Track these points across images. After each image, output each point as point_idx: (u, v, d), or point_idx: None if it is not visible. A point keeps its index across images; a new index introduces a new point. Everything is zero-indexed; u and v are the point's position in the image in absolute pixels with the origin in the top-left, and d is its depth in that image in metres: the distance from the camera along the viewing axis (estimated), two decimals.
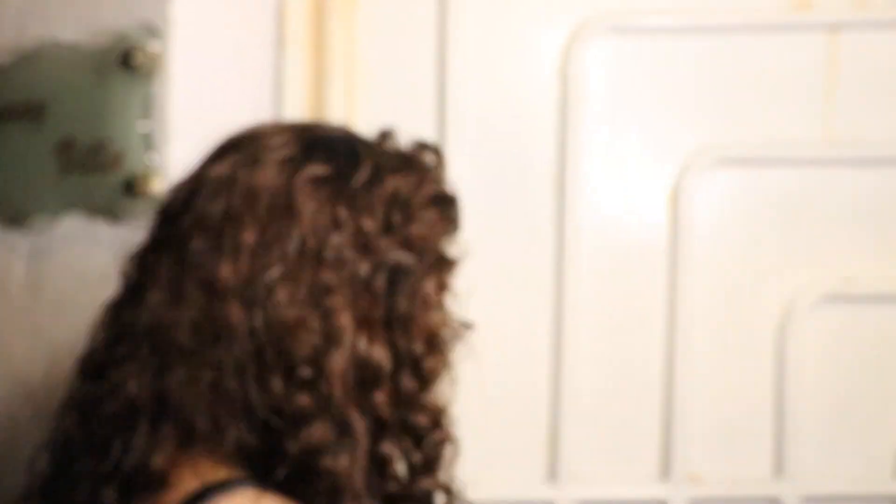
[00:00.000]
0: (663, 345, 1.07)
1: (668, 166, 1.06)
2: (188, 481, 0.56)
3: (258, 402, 0.55)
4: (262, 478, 0.56)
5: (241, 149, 0.60)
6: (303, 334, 0.55)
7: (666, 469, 1.06)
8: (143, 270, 0.60)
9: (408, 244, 0.60)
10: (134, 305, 0.59)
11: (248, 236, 0.56)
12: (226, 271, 0.55)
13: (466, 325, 0.65)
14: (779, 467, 1.06)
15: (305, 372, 0.55)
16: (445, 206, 0.64)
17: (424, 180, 0.62)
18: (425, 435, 0.61)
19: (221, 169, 0.59)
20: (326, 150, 0.60)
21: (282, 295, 0.55)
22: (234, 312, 0.55)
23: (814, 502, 1.06)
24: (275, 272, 0.55)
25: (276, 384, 0.55)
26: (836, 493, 1.06)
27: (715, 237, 1.07)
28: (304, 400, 0.55)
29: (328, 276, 0.56)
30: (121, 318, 0.60)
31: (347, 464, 0.55)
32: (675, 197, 1.05)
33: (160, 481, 0.56)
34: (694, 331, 1.06)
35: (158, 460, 0.56)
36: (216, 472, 0.56)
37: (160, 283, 0.57)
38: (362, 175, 0.59)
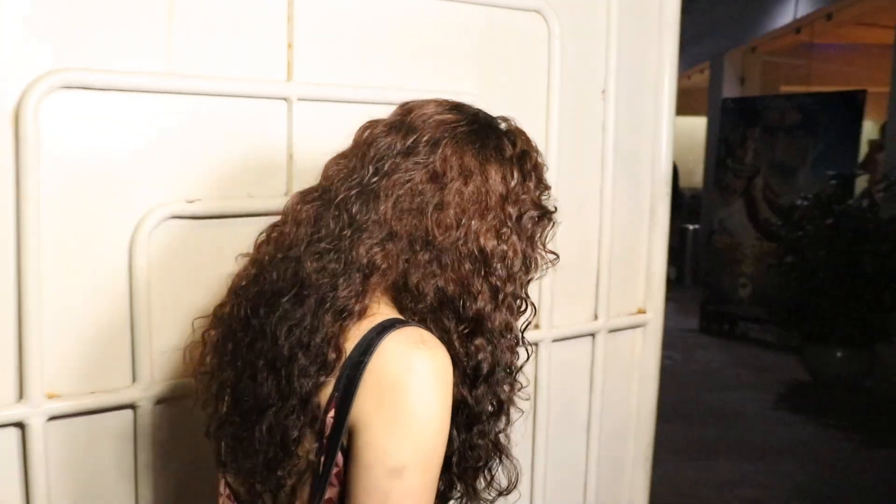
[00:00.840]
0: (12, 266, 1.07)
1: (10, 88, 1.06)
2: (382, 316, 0.89)
3: (452, 279, 0.90)
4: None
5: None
6: (489, 243, 0.92)
7: (23, 390, 1.09)
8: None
9: (538, 199, 0.98)
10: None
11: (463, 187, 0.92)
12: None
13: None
14: (137, 375, 1.17)
15: (491, 265, 0.92)
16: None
17: (538, 156, 0.99)
18: (520, 306, 0.97)
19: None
20: (490, 129, 0.98)
21: (476, 223, 0.91)
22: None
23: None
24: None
25: (470, 274, 0.91)
26: None
27: (65, 159, 1.10)
28: (480, 283, 0.91)
29: (503, 212, 0.94)
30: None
31: (501, 320, 0.93)
32: (18, 119, 1.05)
33: (363, 312, 0.88)
34: (44, 251, 1.08)
35: (364, 300, 0.88)
36: (399, 314, 0.91)
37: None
38: (516, 151, 0.97)
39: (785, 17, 9.03)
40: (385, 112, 0.96)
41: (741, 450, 4.59)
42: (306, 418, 0.87)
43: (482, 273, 0.91)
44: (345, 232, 0.89)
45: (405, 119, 0.94)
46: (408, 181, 0.89)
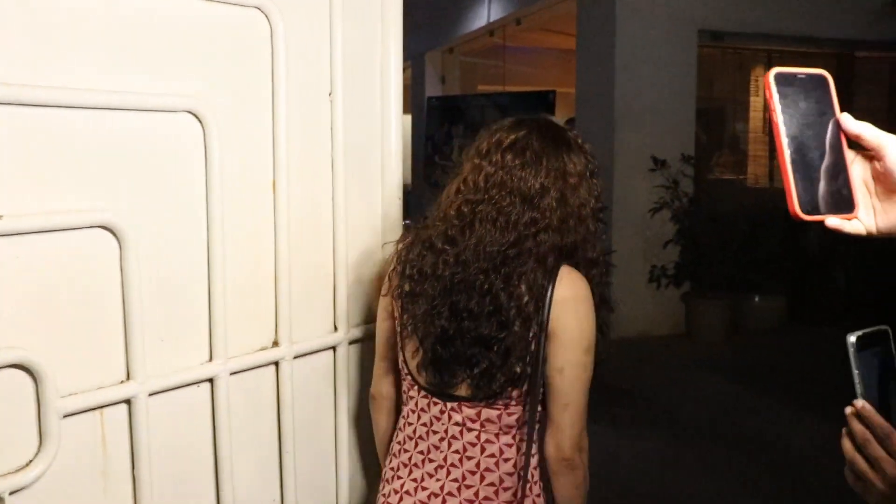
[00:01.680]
0: None
1: None
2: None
3: (581, 235, 1.49)
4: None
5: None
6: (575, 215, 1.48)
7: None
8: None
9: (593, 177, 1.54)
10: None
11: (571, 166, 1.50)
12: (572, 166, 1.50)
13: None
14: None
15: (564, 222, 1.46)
16: None
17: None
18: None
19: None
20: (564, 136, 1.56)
21: (585, 196, 1.50)
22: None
23: None
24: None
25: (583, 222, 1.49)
26: None
27: None
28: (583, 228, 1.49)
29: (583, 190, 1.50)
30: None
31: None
32: None
33: (546, 264, 1.45)
34: None
35: (548, 259, 1.44)
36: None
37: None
38: (579, 139, 1.57)
39: (479, 20, 9.63)
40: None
41: None
42: (523, 331, 1.41)
43: (592, 229, 1.52)
44: (525, 220, 1.44)
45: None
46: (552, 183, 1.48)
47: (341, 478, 1.65)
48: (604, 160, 6.68)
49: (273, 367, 1.51)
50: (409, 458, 1.50)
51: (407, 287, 1.48)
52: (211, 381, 1.38)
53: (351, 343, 1.66)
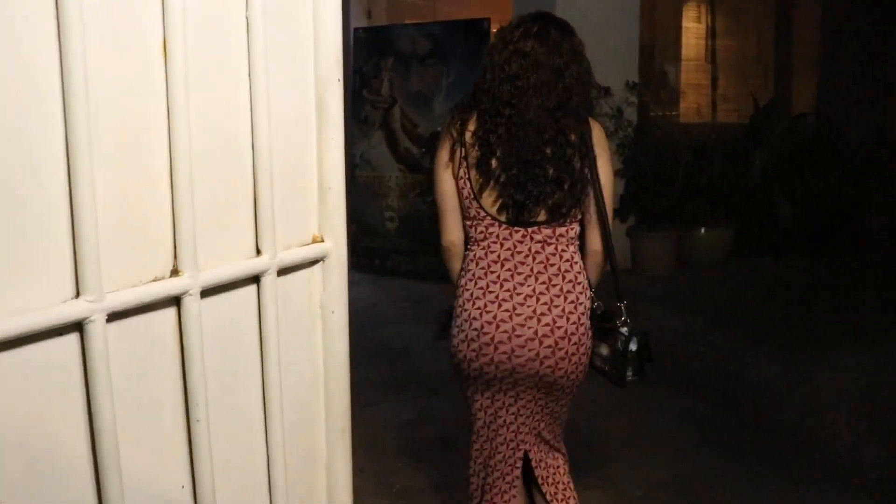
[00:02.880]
0: None
1: None
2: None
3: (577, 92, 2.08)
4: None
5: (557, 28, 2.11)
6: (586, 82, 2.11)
7: None
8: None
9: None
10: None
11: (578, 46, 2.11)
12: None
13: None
14: None
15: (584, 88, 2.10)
16: None
17: None
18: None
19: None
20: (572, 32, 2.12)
21: (581, 66, 2.10)
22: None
23: None
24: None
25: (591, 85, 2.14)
26: None
27: None
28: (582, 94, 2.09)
29: (585, 62, 2.11)
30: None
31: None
32: None
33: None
34: None
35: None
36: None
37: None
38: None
39: None
40: None
41: (416, 386, 4.45)
42: (581, 167, 2.06)
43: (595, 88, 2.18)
44: (559, 88, 2.06)
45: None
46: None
47: (274, 455, 1.26)
48: None
49: (173, 307, 1.09)
50: (498, 276, 2.07)
51: (476, 152, 2.07)
52: (80, 327, 0.96)
53: (281, 273, 1.25)
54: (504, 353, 2.05)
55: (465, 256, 2.15)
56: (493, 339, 2.05)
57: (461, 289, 2.12)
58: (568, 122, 2.04)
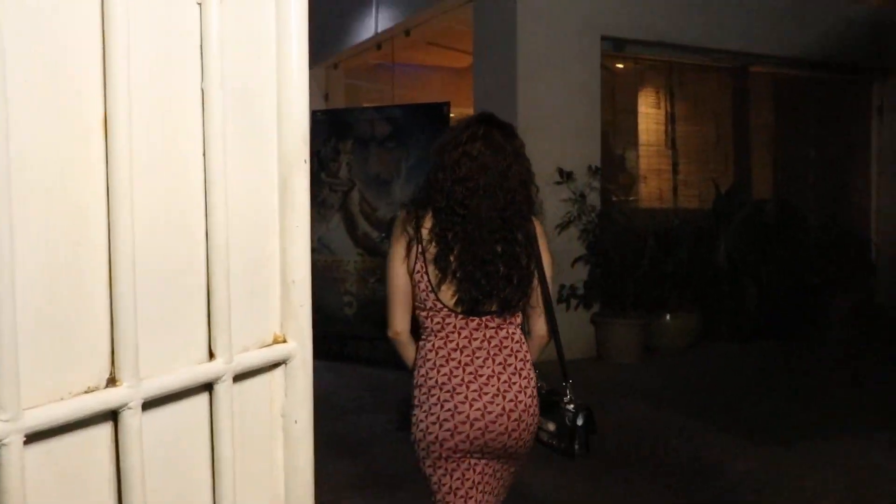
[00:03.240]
0: None
1: None
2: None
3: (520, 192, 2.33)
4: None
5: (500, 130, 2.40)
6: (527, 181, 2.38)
7: None
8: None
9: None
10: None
11: (519, 147, 2.39)
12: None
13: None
14: None
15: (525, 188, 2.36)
16: None
17: None
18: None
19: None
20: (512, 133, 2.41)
21: (522, 166, 2.34)
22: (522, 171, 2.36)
23: None
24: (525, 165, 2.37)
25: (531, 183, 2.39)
26: None
27: None
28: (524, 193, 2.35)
29: (525, 162, 2.37)
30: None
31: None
32: None
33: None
34: None
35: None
36: None
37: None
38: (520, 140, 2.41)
39: (366, 31, 9.16)
40: None
41: (378, 482, 4.23)
42: (528, 263, 2.33)
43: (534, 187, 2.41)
44: (506, 188, 2.31)
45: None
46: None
47: None
48: None
49: (109, 423, 0.94)
50: (459, 362, 2.29)
51: (434, 249, 2.29)
52: None
53: (237, 378, 1.10)
54: (479, 429, 2.27)
55: (421, 346, 2.36)
56: (468, 416, 2.26)
57: (423, 378, 2.32)
58: (514, 221, 2.31)
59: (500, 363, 2.29)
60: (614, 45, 6.82)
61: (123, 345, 0.93)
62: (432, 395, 2.28)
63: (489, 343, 2.30)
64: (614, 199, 7.01)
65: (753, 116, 7.75)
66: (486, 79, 6.64)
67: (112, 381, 0.93)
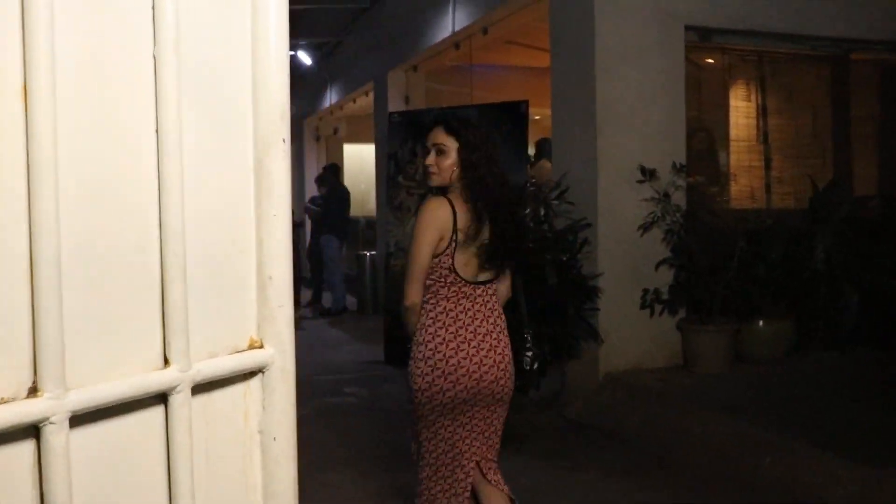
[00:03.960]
0: None
1: None
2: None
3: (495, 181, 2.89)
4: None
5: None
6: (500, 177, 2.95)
7: None
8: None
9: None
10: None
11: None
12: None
13: None
14: None
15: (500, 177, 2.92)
16: None
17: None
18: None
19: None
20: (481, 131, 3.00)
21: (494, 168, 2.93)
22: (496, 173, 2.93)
23: None
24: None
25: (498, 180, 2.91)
26: None
27: None
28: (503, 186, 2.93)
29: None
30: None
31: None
32: None
33: None
34: None
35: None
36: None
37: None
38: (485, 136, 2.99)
39: (444, 31, 9.06)
40: None
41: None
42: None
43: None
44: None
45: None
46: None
47: None
48: (587, 172, 6.08)
49: (31, 439, 0.82)
50: (463, 323, 2.82)
51: (466, 232, 2.81)
52: None
53: (202, 389, 0.96)
54: (475, 379, 2.80)
55: (430, 310, 2.84)
56: (467, 370, 2.79)
57: (431, 335, 2.81)
58: (515, 207, 3.10)
59: (492, 322, 2.87)
60: (699, 36, 6.49)
61: (45, 348, 0.81)
62: (438, 352, 2.79)
63: (485, 307, 2.87)
64: (702, 198, 6.68)
65: (855, 107, 7.28)
66: (563, 75, 6.43)
67: (33, 391, 0.81)
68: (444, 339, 2.79)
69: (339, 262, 11.31)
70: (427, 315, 2.84)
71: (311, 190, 13.51)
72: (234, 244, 1.02)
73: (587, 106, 6.02)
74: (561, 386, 5.79)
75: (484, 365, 2.81)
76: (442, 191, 2.89)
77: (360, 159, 14.54)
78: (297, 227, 11.95)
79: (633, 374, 5.95)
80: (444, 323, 2.81)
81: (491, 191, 2.82)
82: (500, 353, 2.86)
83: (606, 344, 5.91)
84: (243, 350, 1.02)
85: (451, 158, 2.84)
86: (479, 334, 2.82)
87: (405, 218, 7.61)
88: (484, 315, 2.85)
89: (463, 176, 2.84)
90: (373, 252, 11.34)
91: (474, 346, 2.81)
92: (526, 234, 3.09)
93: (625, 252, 5.97)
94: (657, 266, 6.05)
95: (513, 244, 2.91)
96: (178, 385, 0.92)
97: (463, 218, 2.82)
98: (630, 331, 6.00)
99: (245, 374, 1.03)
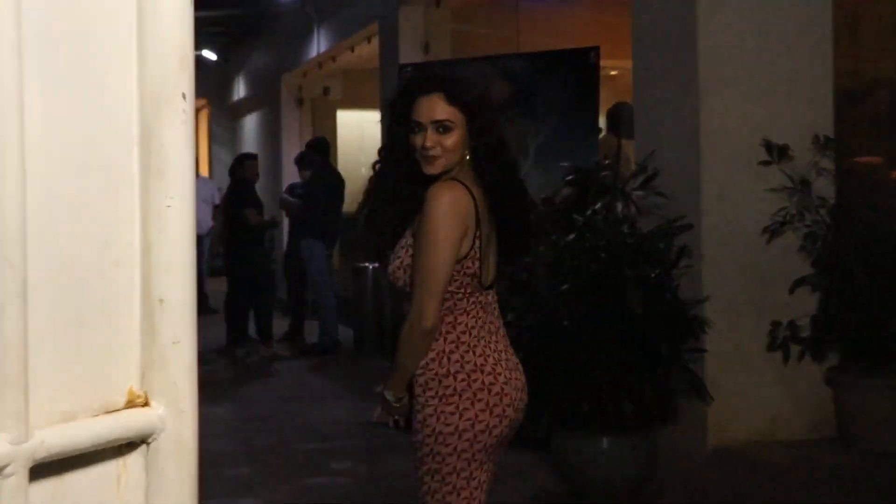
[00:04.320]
0: None
1: None
2: None
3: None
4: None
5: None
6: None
7: None
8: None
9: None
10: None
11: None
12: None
13: None
14: None
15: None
16: None
17: None
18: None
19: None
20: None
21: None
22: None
23: None
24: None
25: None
26: None
27: None
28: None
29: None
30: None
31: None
32: None
33: None
34: None
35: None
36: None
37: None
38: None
39: None
40: None
41: None
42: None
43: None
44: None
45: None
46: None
47: None
48: (685, 150, 6.05)
49: None
50: (487, 340, 3.03)
51: (488, 229, 3.01)
52: None
53: (41, 473, 0.94)
54: (517, 409, 3.04)
55: (447, 332, 2.99)
56: (511, 399, 3.00)
57: (458, 363, 2.96)
58: (526, 202, 3.34)
59: (503, 334, 3.13)
60: None
61: None
62: (474, 381, 2.94)
63: (494, 314, 3.12)
64: (861, 187, 6.62)
65: None
66: (649, 13, 6.41)
67: None
68: (475, 364, 2.96)
69: (329, 277, 11.28)
70: (445, 339, 2.99)
71: (292, 175, 13.48)
72: (105, 251, 1.01)
73: (684, 57, 5.99)
74: (650, 463, 5.75)
75: (516, 389, 3.03)
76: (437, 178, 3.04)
77: (359, 131, 14.60)
78: (266, 228, 11.98)
79: (759, 447, 5.89)
80: (469, 346, 2.98)
81: (509, 172, 3.15)
82: (521, 371, 3.11)
83: (717, 402, 5.84)
84: (118, 409, 1.01)
85: (457, 136, 2.97)
86: (501, 350, 3.06)
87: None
88: (497, 325, 3.10)
89: (473, 157, 3.01)
90: (375, 265, 11.33)
91: (505, 367, 3.02)
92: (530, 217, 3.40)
93: (743, 267, 5.89)
94: (793, 288, 5.97)
95: (530, 230, 3.36)
96: (9, 464, 0.90)
97: (484, 210, 2.98)
98: (753, 384, 5.94)
99: (120, 447, 1.01)
